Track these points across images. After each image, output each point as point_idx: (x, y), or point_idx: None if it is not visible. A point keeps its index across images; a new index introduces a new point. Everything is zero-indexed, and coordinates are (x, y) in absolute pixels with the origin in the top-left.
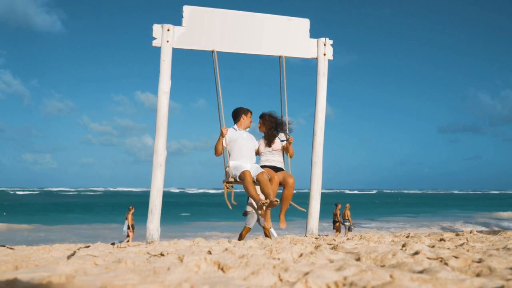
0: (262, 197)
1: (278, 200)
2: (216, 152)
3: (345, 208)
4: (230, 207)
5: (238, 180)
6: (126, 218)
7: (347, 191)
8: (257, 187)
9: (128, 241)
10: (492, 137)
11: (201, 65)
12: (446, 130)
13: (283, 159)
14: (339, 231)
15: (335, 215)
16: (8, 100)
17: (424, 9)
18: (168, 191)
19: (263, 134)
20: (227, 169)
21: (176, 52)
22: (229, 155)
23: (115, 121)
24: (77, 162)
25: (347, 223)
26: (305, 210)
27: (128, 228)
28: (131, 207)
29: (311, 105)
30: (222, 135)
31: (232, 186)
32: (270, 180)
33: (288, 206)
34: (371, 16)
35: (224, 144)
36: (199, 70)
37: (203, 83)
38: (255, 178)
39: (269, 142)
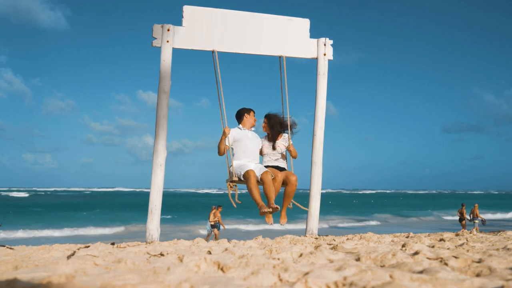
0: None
1: (279, 206)
2: (219, 152)
3: (474, 208)
4: (235, 205)
5: (242, 179)
6: (209, 218)
7: (364, 191)
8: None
9: (215, 238)
10: (496, 137)
11: (204, 64)
12: (450, 130)
13: (286, 159)
14: (465, 228)
15: (461, 213)
16: (9, 99)
17: (427, 8)
18: (178, 191)
19: (266, 134)
20: (230, 168)
21: (180, 51)
22: (233, 154)
23: (116, 120)
24: (78, 162)
25: (476, 221)
26: (307, 209)
27: (214, 226)
28: (213, 206)
29: (313, 105)
30: (224, 134)
31: (235, 185)
32: (273, 179)
33: (289, 203)
34: (376, 16)
35: (227, 144)
36: (203, 69)
37: (206, 82)
38: (259, 177)
39: (273, 144)
